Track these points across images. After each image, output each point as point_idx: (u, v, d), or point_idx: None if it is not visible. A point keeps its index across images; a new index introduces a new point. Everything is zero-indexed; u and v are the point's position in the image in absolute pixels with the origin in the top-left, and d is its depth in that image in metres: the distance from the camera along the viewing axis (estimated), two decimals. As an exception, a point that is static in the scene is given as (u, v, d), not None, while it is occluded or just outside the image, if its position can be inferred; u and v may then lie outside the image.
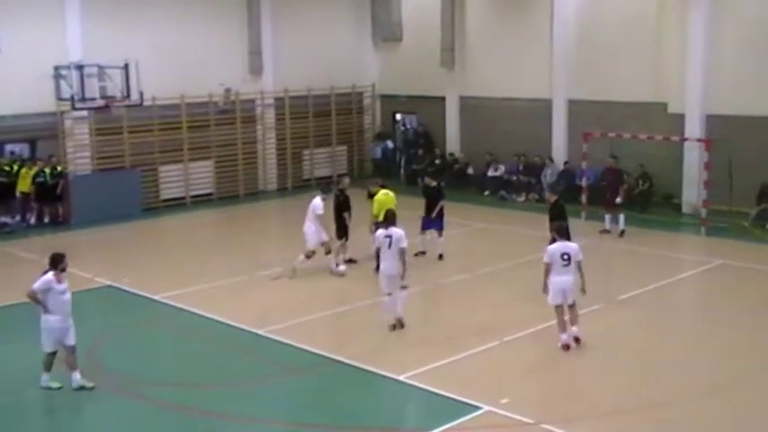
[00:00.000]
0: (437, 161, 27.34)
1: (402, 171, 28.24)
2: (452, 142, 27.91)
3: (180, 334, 14.37)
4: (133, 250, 20.23)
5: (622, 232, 20.19)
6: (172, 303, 15.63)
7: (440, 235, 18.21)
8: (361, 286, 16.43)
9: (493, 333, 13.63)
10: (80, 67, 21.81)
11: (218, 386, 11.96)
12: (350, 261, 17.85)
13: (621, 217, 20.30)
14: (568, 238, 13.08)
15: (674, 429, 10.35)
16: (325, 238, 17.10)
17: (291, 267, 17.11)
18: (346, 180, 18.70)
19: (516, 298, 15.61)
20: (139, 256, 19.67)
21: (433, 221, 18.26)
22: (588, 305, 14.49)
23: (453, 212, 19.74)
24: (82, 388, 11.72)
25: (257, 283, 16.94)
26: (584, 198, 22.33)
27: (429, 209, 18.32)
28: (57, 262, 11.83)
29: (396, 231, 13.83)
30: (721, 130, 21.42)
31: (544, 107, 25.33)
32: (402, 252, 13.67)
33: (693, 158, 22.06)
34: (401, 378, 11.87)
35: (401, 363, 12.34)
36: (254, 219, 24.39)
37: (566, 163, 24.77)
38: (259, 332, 13.90)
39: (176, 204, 25.20)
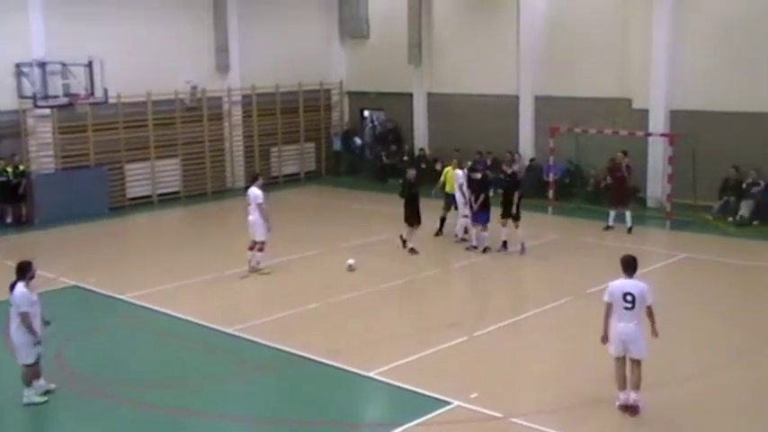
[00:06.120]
0: (405, 158, 27.37)
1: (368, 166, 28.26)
2: (420, 138, 27.96)
3: (148, 333, 14.24)
4: (99, 250, 19.99)
5: (630, 229, 19.98)
6: (139, 303, 15.49)
7: (484, 229, 18.27)
8: (330, 283, 16.43)
9: (462, 328, 13.69)
10: (43, 65, 21.54)
11: (188, 384, 11.89)
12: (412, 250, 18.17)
13: (628, 213, 20.05)
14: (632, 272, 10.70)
15: (640, 421, 10.46)
16: (265, 232, 16.86)
17: (251, 268, 16.98)
18: (412, 172, 19.17)
19: (485, 292, 15.65)
20: (106, 255, 19.45)
21: (478, 215, 18.24)
22: (556, 299, 14.67)
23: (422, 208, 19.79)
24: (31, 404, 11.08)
25: (226, 281, 16.84)
26: (550, 193, 22.53)
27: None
28: (26, 271, 10.84)
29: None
30: (685, 125, 21.66)
31: (511, 103, 25.46)
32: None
33: (658, 153, 22.33)
34: (371, 374, 11.88)
35: (370, 359, 12.34)
36: (222, 217, 24.20)
37: (532, 160, 24.92)
38: (228, 330, 13.83)
39: (143, 203, 24.99)
